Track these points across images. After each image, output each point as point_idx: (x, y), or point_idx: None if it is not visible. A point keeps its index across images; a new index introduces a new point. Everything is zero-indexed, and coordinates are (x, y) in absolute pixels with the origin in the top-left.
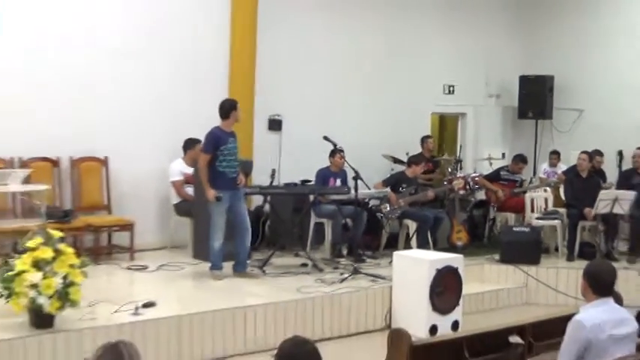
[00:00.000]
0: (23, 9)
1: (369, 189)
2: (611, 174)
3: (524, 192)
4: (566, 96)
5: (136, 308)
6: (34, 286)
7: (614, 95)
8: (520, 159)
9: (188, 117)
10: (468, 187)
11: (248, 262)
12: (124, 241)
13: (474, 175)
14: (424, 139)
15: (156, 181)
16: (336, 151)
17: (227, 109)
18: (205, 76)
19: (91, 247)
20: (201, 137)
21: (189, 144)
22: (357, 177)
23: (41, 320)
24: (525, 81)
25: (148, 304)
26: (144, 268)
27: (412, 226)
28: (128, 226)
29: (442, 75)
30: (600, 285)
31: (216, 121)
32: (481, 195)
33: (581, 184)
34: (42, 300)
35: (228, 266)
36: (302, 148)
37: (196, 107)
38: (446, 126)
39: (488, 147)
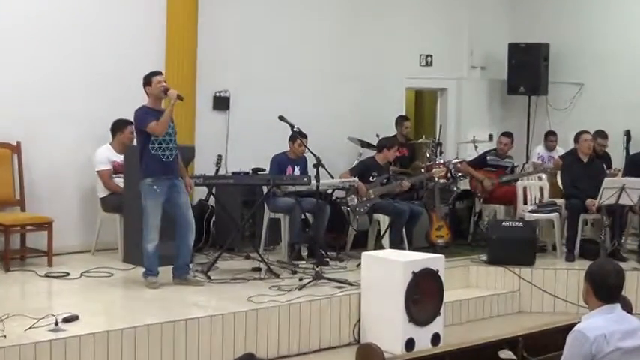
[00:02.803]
0: None
1: (333, 178)
2: (617, 158)
3: (516, 180)
4: (563, 67)
5: (56, 323)
6: None
7: (621, 66)
8: (503, 134)
9: (118, 96)
10: (449, 175)
11: (190, 266)
12: (41, 243)
13: (456, 161)
14: (400, 121)
15: (79, 171)
16: (296, 136)
17: (143, 84)
18: (138, 50)
19: (0, 250)
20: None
21: (119, 126)
22: (318, 164)
23: None
24: (516, 50)
25: (70, 318)
26: (65, 275)
27: (384, 221)
28: (45, 226)
29: (418, 43)
30: (605, 289)
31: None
32: (465, 185)
33: (582, 171)
34: None
35: (166, 271)
36: (253, 131)
37: (128, 85)
38: (423, 103)
39: (472, 128)
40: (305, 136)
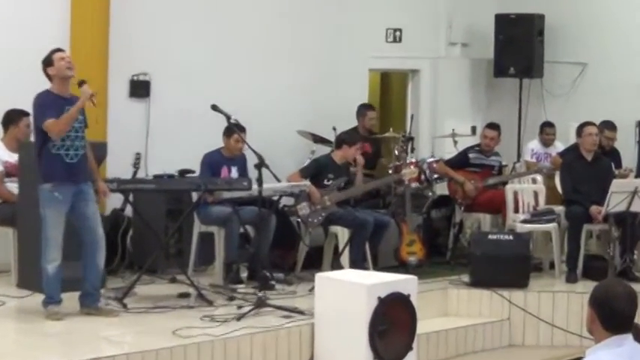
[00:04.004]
0: None
1: (280, 181)
2: (629, 155)
3: (504, 183)
4: (562, 44)
5: None
6: None
7: (631, 43)
8: (489, 126)
9: (10, 81)
10: (423, 177)
11: (101, 292)
12: None
13: (431, 159)
14: (362, 111)
15: None
16: (233, 130)
17: (43, 68)
18: (36, 24)
19: None
20: (29, 108)
21: (11, 118)
22: (261, 164)
23: None
24: (504, 22)
25: None
26: None
27: (343, 235)
28: None
29: (384, 14)
30: (614, 316)
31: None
32: (442, 189)
33: (586, 171)
34: None
35: (71, 299)
36: (180, 123)
37: (23, 68)
38: (390, 88)
39: (451, 119)
40: (243, 130)
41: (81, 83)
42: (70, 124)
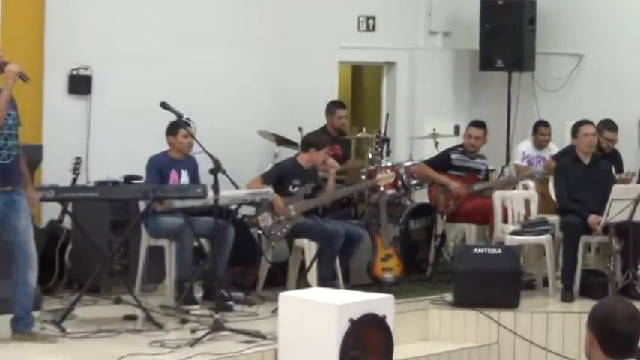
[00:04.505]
0: None
1: (238, 188)
2: (630, 158)
3: (492, 189)
4: (556, 33)
5: None
6: None
7: (633, 32)
8: (474, 124)
9: None
10: (400, 183)
11: (36, 314)
12: None
13: (409, 163)
14: (331, 109)
15: None
16: (178, 125)
17: None
18: None
19: None
20: None
21: None
22: (217, 169)
23: None
24: (491, 9)
25: None
26: None
27: (310, 249)
28: None
29: (356, 0)
30: (615, 339)
31: None
32: (422, 196)
33: (583, 176)
34: None
35: (1, 323)
36: (126, 123)
37: None
38: (363, 83)
39: (432, 117)
40: (188, 124)
41: (3, 65)
42: (4, 110)
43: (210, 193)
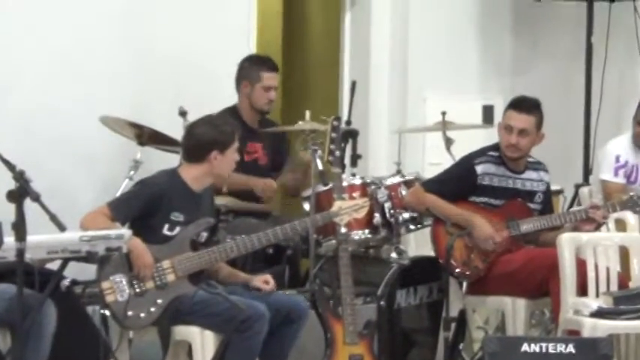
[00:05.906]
0: None
1: (65, 229)
2: None
3: (554, 229)
4: None
5: None
6: None
7: None
8: (515, 105)
9: None
10: (377, 219)
11: None
12: None
13: (395, 181)
14: (249, 72)
15: None
16: None
17: None
18: None
19: None
20: None
21: None
22: (21, 191)
23: None
24: None
25: None
26: None
27: (204, 344)
28: None
29: None
30: None
31: None
32: (421, 243)
33: None
34: None
35: None
36: None
37: None
38: (304, 24)
39: (438, 90)
40: None
41: None
42: None
43: (10, 239)
